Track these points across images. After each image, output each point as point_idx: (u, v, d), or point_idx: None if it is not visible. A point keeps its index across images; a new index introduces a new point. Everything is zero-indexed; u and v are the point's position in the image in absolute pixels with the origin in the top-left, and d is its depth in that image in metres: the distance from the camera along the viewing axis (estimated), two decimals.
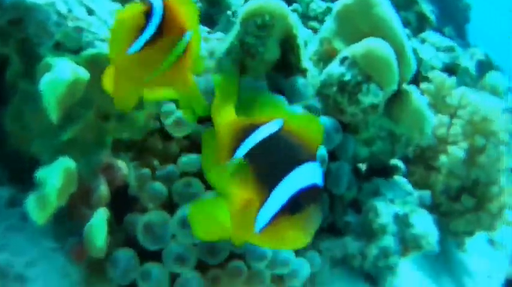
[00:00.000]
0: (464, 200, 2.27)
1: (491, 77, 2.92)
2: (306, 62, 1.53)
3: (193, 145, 1.42)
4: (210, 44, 1.71)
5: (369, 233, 1.56)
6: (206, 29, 1.88)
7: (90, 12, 1.33)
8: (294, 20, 1.41)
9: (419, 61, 2.62)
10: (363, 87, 1.46)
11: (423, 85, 2.25)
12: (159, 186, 1.26)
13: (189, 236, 1.19)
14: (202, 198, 1.21)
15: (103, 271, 1.22)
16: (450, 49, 2.73)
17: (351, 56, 1.47)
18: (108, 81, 1.00)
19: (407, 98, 1.63)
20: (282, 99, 1.24)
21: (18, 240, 1.15)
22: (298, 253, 1.35)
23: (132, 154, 1.41)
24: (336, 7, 1.64)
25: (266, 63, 1.42)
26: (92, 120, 1.27)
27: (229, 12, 2.13)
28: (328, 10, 2.50)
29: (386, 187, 1.69)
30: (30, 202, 1.02)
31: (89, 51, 1.25)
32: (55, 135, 1.17)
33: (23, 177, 1.21)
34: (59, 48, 1.26)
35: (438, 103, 2.29)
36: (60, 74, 1.07)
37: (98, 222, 1.10)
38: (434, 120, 1.84)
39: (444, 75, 2.41)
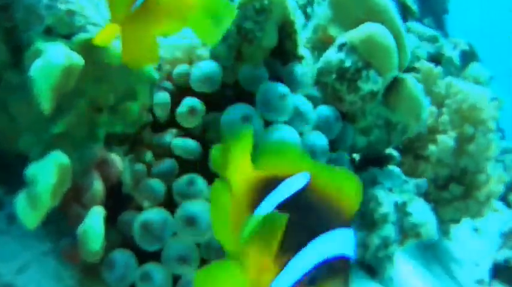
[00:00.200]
0: (452, 188, 2.27)
1: (473, 68, 2.94)
2: (303, 49, 1.47)
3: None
4: None
5: (369, 222, 1.52)
6: None
7: None
8: (291, 5, 1.34)
9: None
10: (363, 74, 1.41)
11: (410, 75, 2.22)
12: (156, 184, 1.17)
13: (193, 234, 1.10)
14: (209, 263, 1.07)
15: (99, 274, 1.12)
16: (434, 39, 2.72)
17: (350, 42, 1.41)
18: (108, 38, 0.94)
19: (403, 85, 1.58)
20: (301, 147, 1.04)
21: (6, 244, 1.03)
22: None
23: (126, 147, 1.31)
24: None
25: (264, 50, 1.34)
26: (84, 112, 1.16)
27: None
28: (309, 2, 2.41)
29: (383, 176, 1.65)
30: (20, 202, 0.91)
31: (82, 36, 1.14)
32: (45, 128, 1.06)
33: (9, 177, 1.09)
34: (50, 33, 1.16)
35: (426, 93, 2.28)
36: (54, 58, 0.96)
37: (94, 224, 1.00)
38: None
39: (431, 65, 2.39)
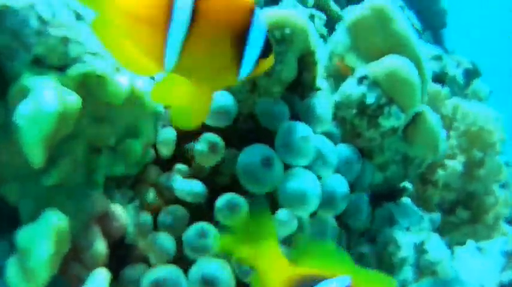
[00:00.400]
0: (459, 212, 2.18)
1: (474, 83, 2.85)
2: (321, 81, 1.34)
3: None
4: None
5: (387, 265, 1.40)
6: None
7: (79, 17, 1.03)
8: (313, 35, 1.20)
9: None
10: (385, 110, 1.28)
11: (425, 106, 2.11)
12: (166, 241, 1.02)
13: None
14: None
15: None
16: (438, 58, 2.61)
17: (372, 76, 1.28)
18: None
19: (422, 119, 1.46)
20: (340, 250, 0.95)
21: None
22: None
23: (127, 189, 1.16)
24: (349, 19, 1.44)
25: (282, 83, 1.20)
26: (80, 155, 1.01)
27: None
28: None
29: (399, 213, 1.53)
30: (12, 273, 0.76)
31: (78, 69, 0.96)
32: (34, 179, 0.90)
33: None
34: (39, 64, 0.98)
35: None
36: (45, 104, 0.80)
37: None
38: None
39: (439, 87, 2.29)
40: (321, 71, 1.31)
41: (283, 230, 1.07)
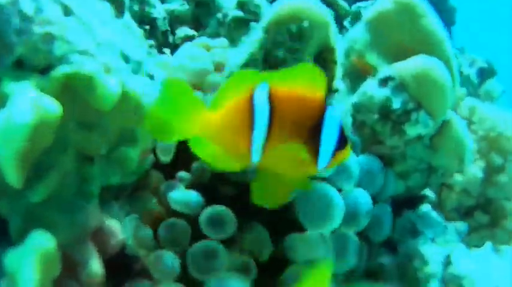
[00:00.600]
0: (478, 216, 2.03)
1: (487, 83, 2.68)
2: (338, 81, 1.16)
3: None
4: (215, 53, 1.32)
5: (411, 279, 1.24)
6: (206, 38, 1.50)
7: (67, 11, 0.88)
8: (334, 29, 1.03)
9: None
10: (412, 117, 1.11)
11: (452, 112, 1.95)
12: (170, 259, 0.88)
13: None
14: None
15: None
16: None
17: (399, 77, 1.11)
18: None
19: (449, 126, 1.29)
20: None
21: None
22: None
23: (125, 201, 1.01)
24: (369, 14, 1.27)
25: None
26: (70, 166, 0.86)
27: (219, 15, 1.73)
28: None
29: (422, 223, 1.37)
30: None
31: (62, 70, 0.82)
32: (21, 195, 0.76)
33: None
34: (22, 66, 0.83)
35: None
36: (17, 116, 0.65)
37: None
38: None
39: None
40: (339, 71, 1.14)
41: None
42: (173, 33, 1.87)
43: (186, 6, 1.90)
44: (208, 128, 0.78)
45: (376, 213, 1.12)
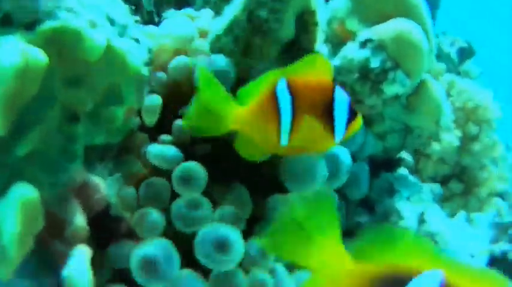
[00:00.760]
0: (452, 185, 2.08)
1: (466, 64, 2.71)
2: (320, 46, 1.18)
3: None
4: (199, 22, 1.31)
5: None
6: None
7: None
8: None
9: None
10: (389, 76, 1.13)
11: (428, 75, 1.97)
12: (154, 215, 0.88)
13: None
14: None
15: None
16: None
17: (378, 39, 1.13)
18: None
19: (425, 88, 1.32)
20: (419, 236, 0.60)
21: None
22: None
23: (109, 161, 1.01)
24: None
25: (279, 43, 1.05)
26: (55, 123, 0.86)
27: None
28: None
29: (398, 183, 1.41)
30: None
31: (48, 25, 0.81)
32: (6, 149, 0.76)
33: None
34: (9, 22, 0.83)
35: None
36: (5, 58, 0.65)
37: (78, 270, 0.72)
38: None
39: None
40: (321, 35, 1.15)
41: None
42: (159, 15, 1.86)
43: None
44: (243, 122, 0.88)
45: (354, 171, 1.14)
